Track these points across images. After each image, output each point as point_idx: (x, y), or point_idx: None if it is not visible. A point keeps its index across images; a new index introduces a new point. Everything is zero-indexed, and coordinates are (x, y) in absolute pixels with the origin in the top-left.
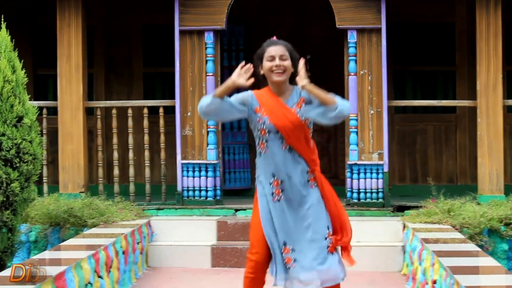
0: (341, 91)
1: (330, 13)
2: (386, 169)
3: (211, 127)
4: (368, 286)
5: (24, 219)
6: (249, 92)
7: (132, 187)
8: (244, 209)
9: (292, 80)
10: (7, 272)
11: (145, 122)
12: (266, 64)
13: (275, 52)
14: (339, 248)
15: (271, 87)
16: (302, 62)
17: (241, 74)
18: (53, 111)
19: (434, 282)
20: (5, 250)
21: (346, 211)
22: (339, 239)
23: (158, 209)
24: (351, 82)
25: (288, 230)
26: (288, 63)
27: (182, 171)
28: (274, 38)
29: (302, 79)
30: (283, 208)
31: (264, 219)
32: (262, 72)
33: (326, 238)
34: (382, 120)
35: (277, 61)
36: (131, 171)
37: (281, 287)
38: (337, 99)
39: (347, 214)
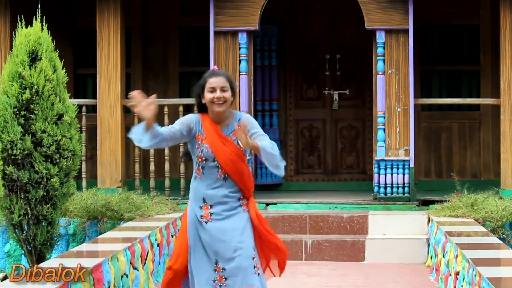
0: (369, 90)
1: (360, 15)
2: (412, 164)
3: None
4: (394, 277)
5: (63, 213)
6: (195, 117)
7: (167, 182)
8: (275, 203)
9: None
10: (46, 264)
11: None
12: (208, 95)
13: (216, 84)
14: (261, 270)
15: (211, 115)
16: (243, 124)
17: (147, 109)
18: (92, 109)
19: (457, 273)
20: (44, 243)
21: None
22: (278, 258)
23: None
24: (379, 81)
25: (218, 250)
26: (228, 94)
27: None
28: (215, 68)
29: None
30: (212, 230)
31: (192, 242)
32: (203, 101)
33: (253, 259)
34: (408, 117)
35: (218, 93)
36: (167, 166)
37: None
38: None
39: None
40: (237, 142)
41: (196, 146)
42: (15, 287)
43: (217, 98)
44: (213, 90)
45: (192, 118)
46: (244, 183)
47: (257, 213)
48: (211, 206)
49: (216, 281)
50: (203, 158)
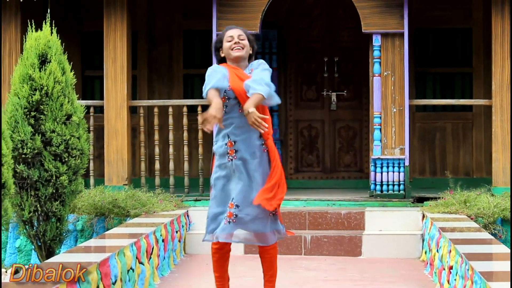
0: (366, 91)
1: (357, 19)
2: (407, 163)
3: None
4: (390, 272)
5: (71, 209)
6: (221, 66)
7: (172, 180)
8: None
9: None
10: (56, 259)
11: (185, 120)
12: (226, 44)
13: (234, 33)
14: (277, 213)
15: (230, 63)
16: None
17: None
18: (99, 109)
19: (451, 267)
20: (54, 238)
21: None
22: (277, 196)
23: (196, 200)
24: (376, 82)
25: (236, 187)
26: (246, 42)
27: None
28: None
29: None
30: (235, 167)
31: (216, 177)
32: (222, 54)
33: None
34: (403, 117)
35: (235, 39)
36: (171, 165)
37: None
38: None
39: (284, 176)
40: None
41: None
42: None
43: (235, 43)
44: (231, 39)
45: (216, 66)
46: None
47: (276, 155)
48: (234, 143)
49: (226, 217)
50: (226, 97)
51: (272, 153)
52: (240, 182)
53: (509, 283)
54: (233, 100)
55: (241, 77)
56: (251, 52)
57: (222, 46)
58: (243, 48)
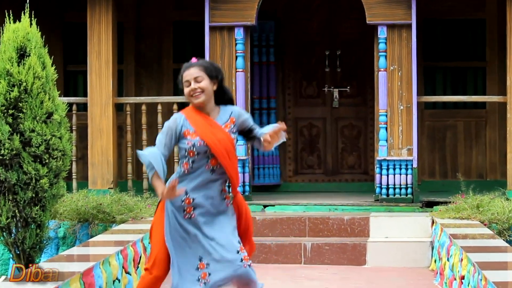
0: (371, 87)
1: (361, 9)
2: (415, 164)
3: None
4: (397, 282)
5: (53, 215)
6: (178, 116)
7: None
8: (273, 205)
9: (219, 99)
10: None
11: None
12: (185, 90)
13: (189, 76)
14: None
15: (197, 108)
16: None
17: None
18: (83, 107)
19: (462, 277)
20: (33, 246)
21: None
22: (247, 250)
23: None
24: (381, 77)
25: (202, 245)
26: (204, 83)
27: None
28: (193, 60)
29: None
30: (195, 224)
31: (170, 238)
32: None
33: (238, 252)
34: (411, 115)
35: (192, 85)
36: None
37: None
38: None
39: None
40: (230, 132)
41: (187, 142)
42: (6, 285)
43: (192, 90)
44: (188, 84)
45: (175, 119)
46: (235, 170)
47: (240, 202)
48: (193, 200)
49: (200, 279)
50: (195, 152)
51: (236, 205)
52: (203, 238)
53: None
54: (202, 155)
55: (211, 124)
56: (215, 88)
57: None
58: (202, 92)
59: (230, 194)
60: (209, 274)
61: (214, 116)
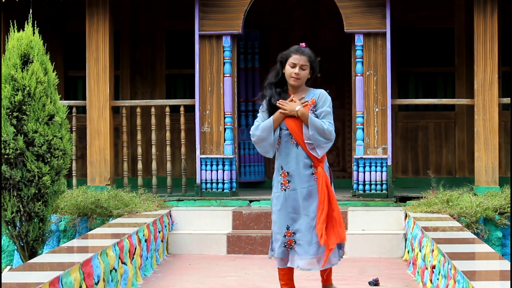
0: (349, 91)
1: (339, 19)
2: (389, 162)
3: (228, 124)
4: (373, 271)
5: (54, 210)
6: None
7: (154, 180)
8: (258, 200)
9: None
10: (39, 259)
11: (167, 120)
12: (288, 69)
13: (298, 61)
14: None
15: (289, 86)
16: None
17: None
18: (82, 110)
19: (433, 267)
20: (36, 239)
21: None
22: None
23: (179, 200)
24: (358, 82)
25: (291, 216)
26: (305, 72)
27: (201, 165)
28: (303, 45)
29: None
30: (288, 197)
31: (275, 203)
32: (283, 71)
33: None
34: (386, 117)
35: (296, 70)
36: (154, 165)
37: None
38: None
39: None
40: (311, 111)
41: None
42: (12, 275)
43: (295, 74)
44: (293, 66)
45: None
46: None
47: (327, 183)
48: (287, 174)
49: (286, 245)
50: (280, 128)
51: (319, 184)
52: (292, 210)
53: (491, 282)
54: (286, 131)
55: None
56: (309, 76)
57: (285, 64)
58: (300, 79)
59: (317, 169)
60: (295, 243)
61: (299, 96)
